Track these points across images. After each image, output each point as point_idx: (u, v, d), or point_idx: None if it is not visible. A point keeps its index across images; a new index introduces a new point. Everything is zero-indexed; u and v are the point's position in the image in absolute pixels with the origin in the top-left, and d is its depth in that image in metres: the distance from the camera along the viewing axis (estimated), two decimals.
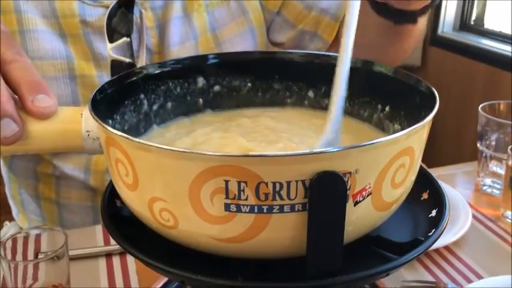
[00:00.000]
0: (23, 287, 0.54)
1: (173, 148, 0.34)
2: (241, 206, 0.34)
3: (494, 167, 0.87)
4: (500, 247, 0.71)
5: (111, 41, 0.69)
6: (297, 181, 0.33)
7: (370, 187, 0.36)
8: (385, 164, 0.36)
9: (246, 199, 0.34)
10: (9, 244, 0.55)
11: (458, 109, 1.54)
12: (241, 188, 0.34)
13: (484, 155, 0.87)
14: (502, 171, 0.85)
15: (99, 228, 0.74)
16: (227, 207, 0.34)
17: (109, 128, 0.37)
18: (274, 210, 0.34)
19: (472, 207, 0.79)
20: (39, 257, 0.65)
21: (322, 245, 0.35)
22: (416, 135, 0.37)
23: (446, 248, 0.70)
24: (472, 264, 0.67)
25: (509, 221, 0.77)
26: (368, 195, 0.36)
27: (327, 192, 0.33)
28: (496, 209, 0.81)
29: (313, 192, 0.33)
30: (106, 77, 0.74)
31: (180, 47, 0.79)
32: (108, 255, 0.68)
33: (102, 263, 0.67)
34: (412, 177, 0.40)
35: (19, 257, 0.62)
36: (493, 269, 0.66)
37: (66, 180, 0.82)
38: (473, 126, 1.44)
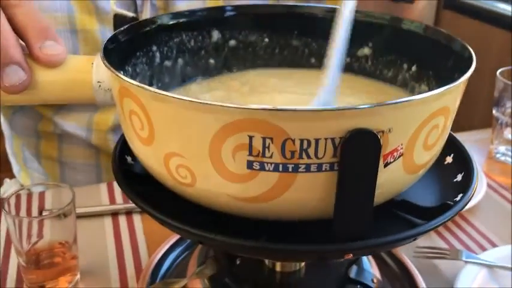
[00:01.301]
0: (28, 244, 0.52)
1: (195, 99, 0.31)
2: (265, 164, 0.32)
3: (510, 134, 0.85)
4: None
5: None
6: (326, 139, 0.31)
7: (402, 148, 0.34)
8: (420, 123, 0.33)
9: (271, 157, 0.32)
10: (12, 201, 0.53)
11: (471, 75, 1.50)
12: (266, 145, 0.31)
13: (499, 121, 0.85)
14: None
15: (103, 187, 0.72)
16: (250, 164, 0.32)
17: (124, 78, 0.34)
18: (300, 169, 0.32)
19: (485, 175, 0.77)
20: (43, 213, 0.64)
21: (351, 207, 0.33)
22: (453, 94, 0.35)
23: (460, 215, 0.68)
24: (486, 232, 0.66)
25: None
26: (399, 157, 0.34)
27: (359, 151, 0.31)
28: (509, 177, 0.79)
29: (345, 150, 0.31)
30: (109, 32, 0.71)
31: (186, 3, 0.76)
32: (114, 215, 0.66)
33: (108, 222, 0.65)
34: (444, 139, 0.38)
35: (23, 214, 0.61)
36: (508, 237, 0.65)
37: (68, 138, 0.80)
38: (485, 94, 1.41)
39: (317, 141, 0.31)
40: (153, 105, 0.33)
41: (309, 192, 0.33)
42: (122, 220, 0.66)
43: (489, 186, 0.76)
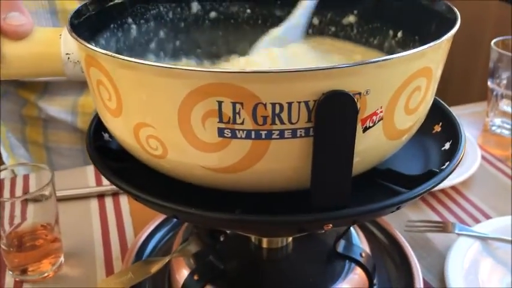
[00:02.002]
0: (9, 227, 0.51)
1: (159, 64, 0.29)
2: (237, 131, 0.30)
3: (505, 106, 0.83)
4: (509, 186, 0.68)
5: None
6: (299, 102, 0.29)
7: (381, 111, 0.32)
8: (399, 84, 0.32)
9: (242, 123, 0.30)
10: None
11: (467, 47, 1.47)
12: (237, 110, 0.30)
13: (494, 93, 0.83)
14: None
15: (90, 169, 0.71)
16: (221, 132, 0.31)
17: (88, 45, 0.32)
18: (274, 136, 0.30)
19: (480, 148, 0.75)
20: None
21: (328, 174, 0.31)
22: (436, 53, 0.33)
23: (454, 188, 0.67)
24: (480, 205, 0.64)
25: None
26: (379, 121, 0.32)
27: (335, 115, 0.29)
28: (505, 150, 0.78)
29: (319, 114, 0.29)
30: None
31: None
32: (100, 196, 0.65)
33: (94, 203, 0.64)
34: (428, 103, 0.36)
35: (6, 196, 0.59)
36: (502, 209, 0.63)
37: (54, 123, 0.79)
38: (481, 66, 1.38)
39: (290, 104, 0.29)
40: (118, 72, 0.32)
41: (284, 161, 0.32)
42: (108, 202, 0.64)
43: (484, 158, 0.74)
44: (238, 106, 0.29)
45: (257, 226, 0.35)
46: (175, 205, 0.33)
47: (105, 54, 0.31)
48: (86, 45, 0.33)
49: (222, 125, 0.30)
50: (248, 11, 0.52)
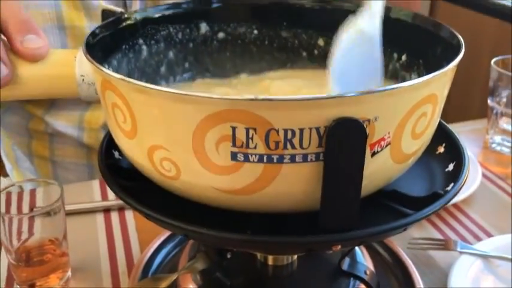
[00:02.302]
0: (17, 242, 0.52)
1: (175, 91, 0.30)
2: (249, 155, 0.31)
3: (505, 124, 0.85)
4: (510, 204, 0.69)
5: None
6: (310, 128, 0.30)
7: (389, 137, 0.33)
8: (406, 111, 0.33)
9: (255, 147, 0.31)
10: (2, 198, 0.52)
11: (466, 66, 1.49)
12: (250, 136, 0.31)
13: (494, 111, 0.84)
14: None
15: (96, 183, 0.72)
16: (234, 156, 0.32)
17: (104, 70, 0.33)
18: (285, 160, 0.31)
19: (480, 165, 0.76)
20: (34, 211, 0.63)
21: (337, 197, 0.32)
22: (441, 81, 0.34)
23: (455, 206, 0.68)
24: (481, 223, 0.65)
25: None
26: (387, 146, 0.33)
27: (345, 141, 0.30)
28: (505, 167, 0.79)
29: (330, 140, 0.30)
30: None
31: None
32: (106, 211, 0.66)
33: (100, 218, 0.65)
34: (433, 127, 0.37)
35: (13, 212, 0.60)
36: (503, 227, 0.64)
37: (60, 137, 0.79)
38: (481, 84, 1.40)
39: (301, 131, 0.30)
40: (134, 97, 0.33)
41: (295, 183, 0.33)
42: (114, 216, 0.65)
43: (484, 176, 0.75)
44: (251, 131, 0.30)
45: (268, 246, 0.36)
46: (188, 225, 0.34)
47: (122, 79, 0.32)
48: (102, 70, 0.34)
49: (235, 149, 0.31)
50: (255, 31, 0.53)
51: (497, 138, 0.85)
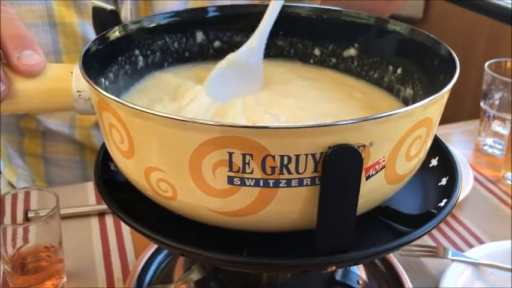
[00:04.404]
0: (12, 249, 0.52)
1: (172, 116, 0.31)
2: (246, 180, 0.32)
3: (497, 126, 0.85)
4: (501, 210, 0.70)
5: None
6: (306, 154, 0.31)
7: (384, 160, 0.33)
8: (401, 136, 0.33)
9: (251, 172, 0.31)
10: None
11: (459, 65, 1.50)
12: (246, 161, 0.31)
13: (487, 114, 0.85)
14: (504, 131, 0.83)
15: (90, 186, 0.72)
16: (230, 180, 0.32)
17: (102, 92, 0.33)
18: (281, 185, 0.32)
19: (472, 168, 0.77)
20: (28, 215, 0.63)
21: (333, 220, 0.33)
22: (436, 105, 0.35)
23: None
24: (472, 229, 0.66)
25: (511, 182, 0.76)
26: (381, 169, 0.34)
27: (341, 166, 0.31)
28: (496, 170, 0.80)
29: (326, 166, 0.31)
30: (88, 24, 0.70)
31: None
32: (101, 215, 0.66)
33: (94, 222, 0.65)
34: (427, 148, 0.38)
35: (8, 215, 0.60)
36: (493, 233, 0.65)
37: (52, 135, 0.79)
38: (473, 84, 1.41)
39: (297, 157, 0.31)
40: (131, 120, 0.33)
41: (291, 206, 0.33)
42: (109, 220, 0.65)
43: (476, 180, 0.76)
44: (248, 157, 0.31)
45: (264, 268, 0.36)
46: (184, 246, 0.34)
47: (119, 102, 0.32)
48: (100, 92, 0.34)
49: (232, 174, 0.32)
50: None
51: (489, 141, 0.85)
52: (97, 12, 0.64)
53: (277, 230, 0.35)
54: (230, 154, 0.31)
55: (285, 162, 0.31)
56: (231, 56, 0.47)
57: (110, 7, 0.64)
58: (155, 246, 0.57)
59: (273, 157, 0.31)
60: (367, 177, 0.33)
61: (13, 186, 0.90)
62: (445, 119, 0.46)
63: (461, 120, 0.95)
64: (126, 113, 0.33)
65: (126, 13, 0.68)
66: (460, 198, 0.69)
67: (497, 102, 0.84)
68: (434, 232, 0.65)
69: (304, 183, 0.32)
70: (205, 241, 0.35)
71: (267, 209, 0.33)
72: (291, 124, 0.30)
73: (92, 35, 0.69)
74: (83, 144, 0.80)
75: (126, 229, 0.64)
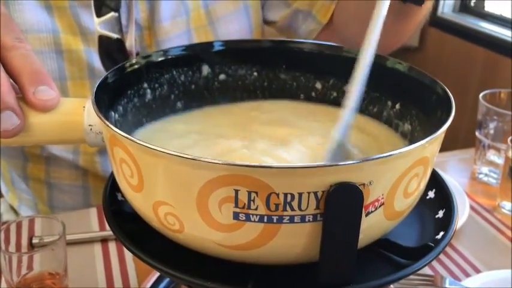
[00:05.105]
0: (18, 277, 0.53)
1: (181, 154, 0.32)
2: (251, 215, 0.33)
3: (492, 156, 0.87)
4: (497, 239, 0.71)
5: (99, 15, 0.66)
6: (309, 192, 0.32)
7: (383, 198, 0.35)
8: (399, 174, 0.35)
9: (256, 209, 0.33)
10: (1, 234, 0.53)
11: (454, 94, 1.53)
12: (252, 198, 0.32)
13: (482, 144, 0.87)
14: (499, 160, 0.85)
15: (93, 212, 0.73)
16: (236, 215, 0.33)
17: (114, 128, 0.35)
18: (284, 221, 0.33)
19: (468, 197, 0.78)
20: (33, 241, 0.64)
21: (335, 255, 0.34)
22: (431, 145, 0.36)
23: None
24: (469, 257, 0.67)
25: (506, 212, 0.77)
26: (380, 206, 0.35)
27: (342, 204, 0.32)
28: (492, 199, 0.81)
29: (329, 203, 0.32)
30: (94, 52, 0.71)
31: (171, 22, 0.76)
32: (104, 241, 0.67)
33: (97, 248, 0.66)
34: (425, 184, 0.39)
35: (12, 241, 0.61)
36: (490, 263, 0.66)
37: (56, 160, 0.80)
38: (469, 112, 1.43)
39: (300, 194, 0.32)
40: (142, 156, 0.34)
41: (293, 241, 0.35)
42: (112, 246, 0.66)
43: (472, 208, 0.77)
44: (253, 194, 0.32)
45: None
46: (193, 278, 0.36)
47: (130, 139, 0.34)
48: (112, 129, 0.35)
49: (237, 210, 0.33)
50: (255, 73, 0.55)
51: (485, 169, 0.87)
52: (103, 41, 0.66)
53: (281, 263, 0.37)
54: (236, 191, 0.32)
55: (289, 199, 0.32)
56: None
57: (115, 36, 0.67)
58: (158, 274, 0.58)
59: (277, 195, 0.32)
60: (367, 214, 0.35)
61: (15, 210, 0.91)
62: (440, 147, 0.47)
63: (457, 147, 0.97)
64: (136, 150, 0.34)
65: (131, 42, 0.69)
66: (457, 227, 0.70)
67: (492, 131, 0.86)
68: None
69: (307, 220, 0.33)
70: (210, 273, 0.36)
71: (271, 244, 0.34)
72: (294, 164, 0.31)
73: (97, 62, 0.70)
74: (86, 170, 0.81)
75: (128, 255, 0.65)
